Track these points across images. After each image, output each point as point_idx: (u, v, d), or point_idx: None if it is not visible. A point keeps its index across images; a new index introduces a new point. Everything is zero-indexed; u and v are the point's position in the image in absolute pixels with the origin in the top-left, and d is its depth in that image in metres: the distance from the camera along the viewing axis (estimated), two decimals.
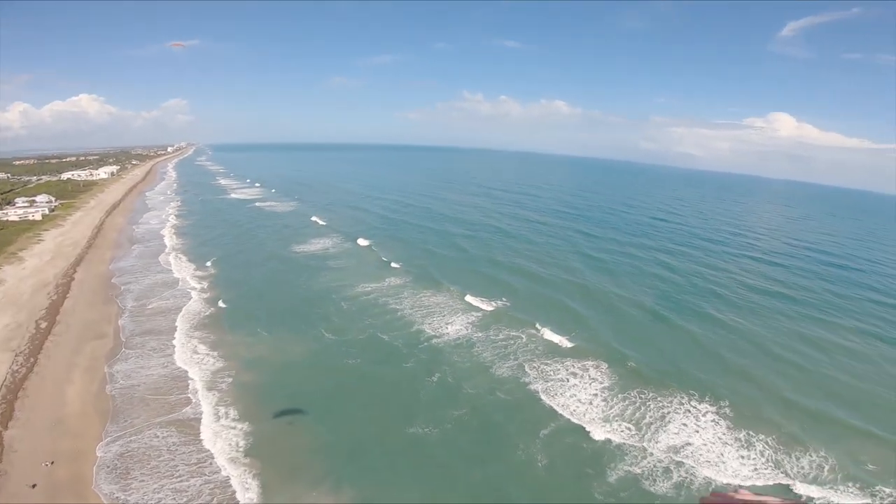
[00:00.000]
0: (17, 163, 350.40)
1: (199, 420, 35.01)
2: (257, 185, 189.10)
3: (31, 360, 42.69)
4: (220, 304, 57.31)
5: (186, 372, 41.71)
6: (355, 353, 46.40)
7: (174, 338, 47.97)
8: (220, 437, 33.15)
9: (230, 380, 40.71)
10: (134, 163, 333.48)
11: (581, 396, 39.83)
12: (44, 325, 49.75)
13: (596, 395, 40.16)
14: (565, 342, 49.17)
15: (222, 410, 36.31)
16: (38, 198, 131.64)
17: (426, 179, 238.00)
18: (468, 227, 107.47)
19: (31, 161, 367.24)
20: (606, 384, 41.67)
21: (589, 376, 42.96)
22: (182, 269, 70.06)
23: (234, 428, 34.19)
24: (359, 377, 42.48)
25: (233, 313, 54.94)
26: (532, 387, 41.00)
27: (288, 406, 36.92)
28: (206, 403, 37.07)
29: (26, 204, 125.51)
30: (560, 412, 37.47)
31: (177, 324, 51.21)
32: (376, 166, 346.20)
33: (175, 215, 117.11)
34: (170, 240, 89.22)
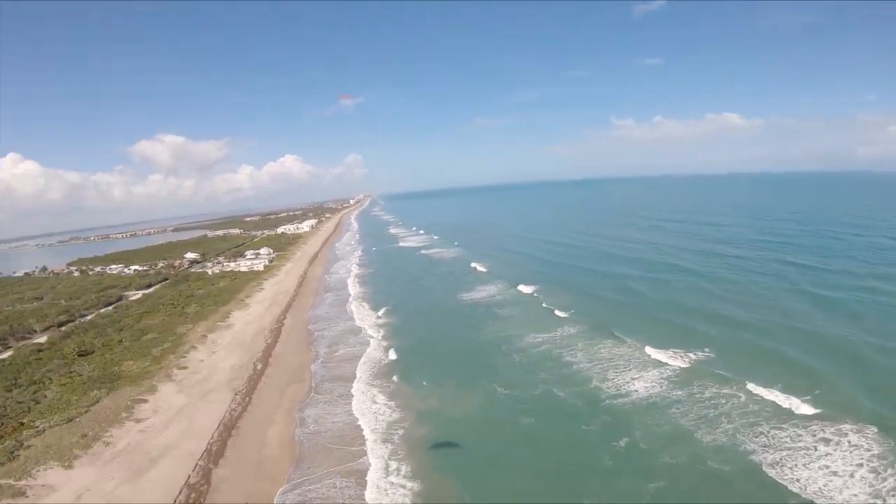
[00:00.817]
0: (247, 219, 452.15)
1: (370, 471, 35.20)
2: (422, 232, 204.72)
3: (247, 399, 48.54)
4: (395, 354, 59.13)
5: (364, 421, 42.64)
6: (528, 410, 42.53)
7: (355, 386, 50.26)
8: (387, 494, 32.21)
9: (402, 432, 40.35)
10: (327, 216, 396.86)
11: (835, 467, 29.38)
12: (259, 366, 57.45)
13: (860, 465, 29.14)
14: (797, 402, 37.48)
15: (393, 466, 35.66)
16: (262, 251, 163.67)
17: (585, 215, 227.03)
18: (641, 266, 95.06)
19: (257, 217, 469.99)
20: (876, 451, 30.18)
21: (838, 443, 31.89)
22: (363, 318, 75.54)
23: (402, 487, 32.93)
24: (533, 438, 38.27)
25: (407, 363, 56.10)
26: (755, 457, 31.29)
27: (459, 467, 34.94)
28: (377, 457, 36.96)
29: (253, 256, 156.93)
30: (799, 489, 27.79)
31: (358, 372, 53.81)
32: (530, 205, 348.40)
33: (357, 264, 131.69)
34: (353, 288, 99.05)
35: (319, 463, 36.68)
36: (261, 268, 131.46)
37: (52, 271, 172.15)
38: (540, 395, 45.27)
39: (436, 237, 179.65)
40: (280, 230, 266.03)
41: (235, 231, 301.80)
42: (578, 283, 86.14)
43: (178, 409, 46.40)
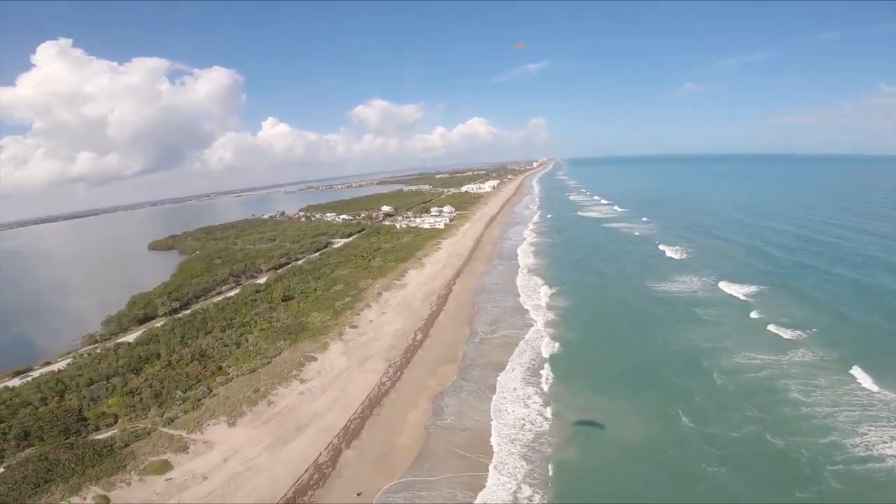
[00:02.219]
0: (438, 176, 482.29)
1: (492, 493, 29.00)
2: (606, 202, 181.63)
3: (398, 373, 46.58)
4: (558, 346, 50.46)
5: (502, 428, 35.97)
6: (722, 457, 30.99)
7: (504, 379, 44.07)
8: None
9: (549, 451, 32.76)
10: (509, 177, 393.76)
11: None
12: (419, 336, 55.34)
13: None
14: None
15: (525, 494, 28.82)
16: (445, 209, 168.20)
17: (827, 201, 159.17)
18: None
19: (446, 174, 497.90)
20: None
21: None
22: (530, 296, 67.67)
23: None
24: (723, 498, 27.73)
25: (570, 360, 47.33)
26: None
27: None
28: (508, 478, 30.08)
29: (436, 213, 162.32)
30: None
31: (511, 362, 47.13)
32: (744, 181, 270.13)
33: (533, 232, 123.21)
34: (525, 258, 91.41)
35: (441, 464, 32.28)
36: (441, 226, 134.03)
37: (287, 216, 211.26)
38: (744, 439, 32.84)
39: (622, 209, 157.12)
40: (464, 188, 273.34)
41: (426, 187, 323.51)
42: (814, 292, 62.56)
43: (337, 373, 47.10)
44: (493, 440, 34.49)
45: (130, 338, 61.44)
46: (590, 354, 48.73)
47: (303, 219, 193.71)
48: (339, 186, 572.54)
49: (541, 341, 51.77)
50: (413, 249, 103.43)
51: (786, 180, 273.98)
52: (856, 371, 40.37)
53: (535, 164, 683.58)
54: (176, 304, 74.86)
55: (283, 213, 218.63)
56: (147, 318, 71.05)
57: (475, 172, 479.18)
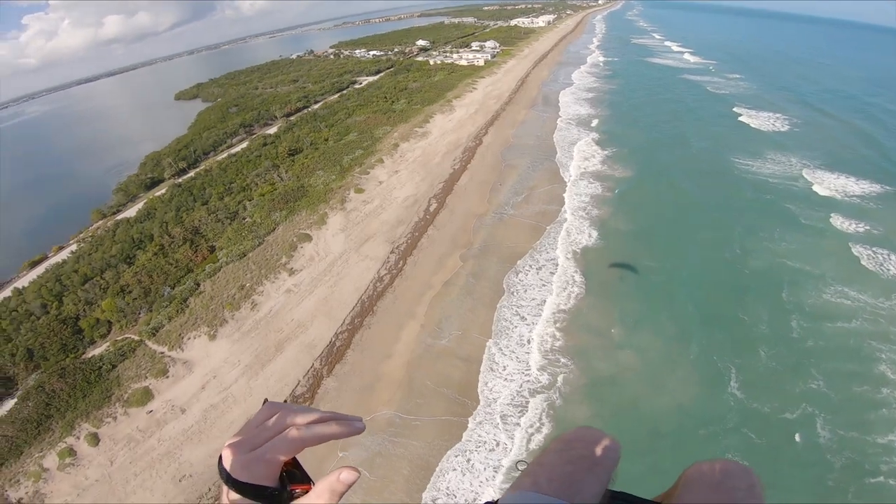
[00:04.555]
0: (486, 7, 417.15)
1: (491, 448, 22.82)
2: (686, 50, 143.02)
3: (399, 264, 38.76)
4: (599, 237, 39.73)
5: (510, 359, 28.47)
6: (791, 438, 22.89)
7: (518, 283, 34.95)
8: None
9: (559, 402, 25.59)
10: (569, 13, 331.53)
11: None
12: (433, 207, 46.34)
13: None
14: None
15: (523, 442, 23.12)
16: (487, 44, 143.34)
17: None
18: None
19: (495, 6, 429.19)
20: None
21: None
22: (570, 161, 54.71)
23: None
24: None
25: (614, 265, 36.49)
26: None
27: None
28: (505, 429, 24.01)
29: (477, 48, 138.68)
30: None
31: (530, 259, 37.66)
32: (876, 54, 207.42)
33: (588, 74, 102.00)
34: (572, 107, 74.91)
35: (427, 401, 26.07)
36: (481, 63, 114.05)
37: (315, 54, 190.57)
38: (797, 427, 23.55)
39: (704, 60, 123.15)
40: (513, 22, 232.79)
41: (470, 20, 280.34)
42: None
43: (331, 261, 39.85)
44: (502, 376, 27.37)
45: (132, 212, 56.00)
46: (643, 257, 37.12)
47: (331, 56, 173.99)
48: (377, 20, 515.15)
49: (578, 227, 41.21)
50: (444, 90, 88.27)
51: None
52: None
53: (600, 2, 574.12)
54: (183, 165, 68.41)
55: (311, 52, 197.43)
56: (155, 183, 65.41)
57: (528, 6, 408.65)
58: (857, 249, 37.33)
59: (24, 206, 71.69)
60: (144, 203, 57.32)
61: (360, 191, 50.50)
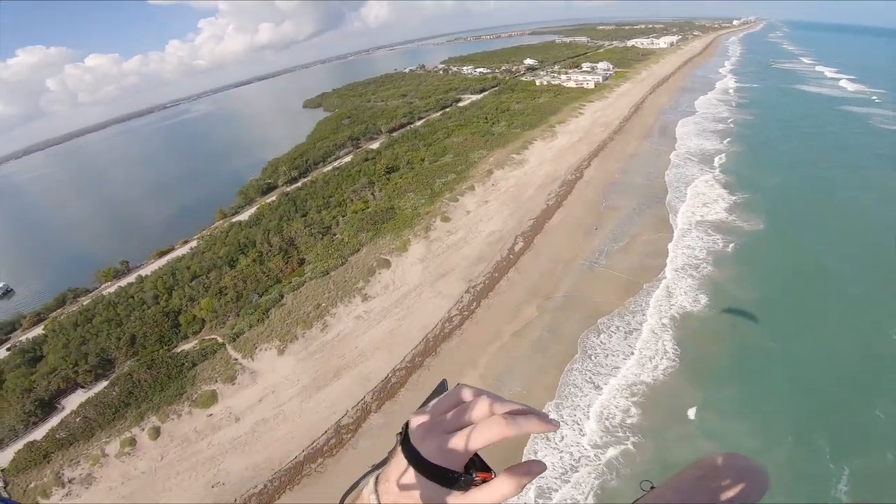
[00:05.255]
0: (600, 27, 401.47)
1: None
2: (851, 78, 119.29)
3: (474, 304, 35.91)
4: (707, 303, 33.38)
5: (569, 428, 24.88)
6: None
7: (604, 341, 30.83)
8: None
9: (613, 482, 21.91)
10: (696, 34, 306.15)
11: None
12: (518, 246, 42.72)
13: None
14: None
15: None
16: (599, 65, 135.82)
17: None
18: None
19: (612, 26, 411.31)
20: None
21: None
22: (686, 201, 47.63)
23: None
24: None
25: (719, 339, 30.43)
26: None
27: None
28: None
29: (588, 69, 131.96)
30: None
31: (617, 321, 32.51)
32: None
33: (721, 103, 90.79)
34: (694, 140, 66.18)
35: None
36: (591, 85, 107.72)
37: (426, 69, 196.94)
38: None
39: (867, 88, 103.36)
40: (630, 43, 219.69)
41: (583, 39, 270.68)
42: None
43: (405, 291, 38.43)
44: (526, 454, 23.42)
45: (246, 215, 60.07)
46: (752, 333, 30.56)
47: (441, 72, 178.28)
48: (488, 37, 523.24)
49: (679, 287, 35.25)
50: (547, 113, 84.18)
51: None
52: None
53: (735, 23, 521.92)
54: (295, 174, 73.00)
55: (422, 66, 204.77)
56: (270, 189, 70.22)
57: (649, 26, 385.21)
58: None
59: (171, 198, 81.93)
60: (257, 208, 61.35)
61: (446, 219, 48.70)
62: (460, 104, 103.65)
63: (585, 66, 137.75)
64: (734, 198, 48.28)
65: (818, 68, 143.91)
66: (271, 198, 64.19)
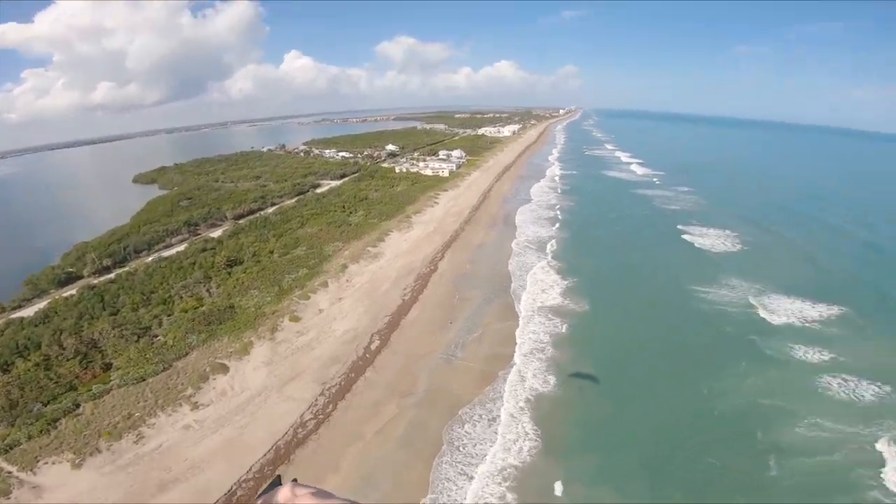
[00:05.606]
0: (457, 115, 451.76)
1: None
2: (640, 162, 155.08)
3: (330, 407, 33.22)
4: (555, 384, 36.00)
5: None
6: None
7: (469, 431, 31.27)
8: None
9: None
10: (532, 122, 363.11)
11: None
12: (375, 344, 41.17)
13: None
14: None
15: None
16: (454, 153, 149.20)
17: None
18: None
19: (466, 115, 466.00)
20: None
21: None
22: (527, 289, 52.01)
23: None
24: None
25: (571, 414, 33.03)
26: None
27: None
28: None
29: (444, 157, 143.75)
30: None
31: (472, 412, 32.99)
32: (808, 157, 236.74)
33: (551, 190, 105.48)
34: (531, 228, 74.30)
35: None
36: (446, 174, 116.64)
37: (287, 149, 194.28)
38: None
39: (654, 171, 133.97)
40: (481, 131, 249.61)
41: (441, 126, 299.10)
42: None
43: (247, 397, 34.08)
44: None
45: (32, 310, 48.97)
46: (598, 404, 34.06)
47: (302, 154, 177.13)
48: (354, 120, 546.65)
49: (529, 371, 37.36)
50: (404, 202, 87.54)
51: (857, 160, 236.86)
52: None
53: (561, 112, 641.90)
54: (108, 262, 62.05)
55: (283, 147, 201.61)
56: (70, 279, 58.58)
57: (496, 115, 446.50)
58: (827, 380, 36.60)
59: None
60: (48, 302, 50.61)
61: (295, 319, 45.04)
62: (318, 190, 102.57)
63: (442, 153, 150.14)
64: (566, 282, 53.90)
65: (617, 153, 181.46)
66: (70, 290, 53.59)
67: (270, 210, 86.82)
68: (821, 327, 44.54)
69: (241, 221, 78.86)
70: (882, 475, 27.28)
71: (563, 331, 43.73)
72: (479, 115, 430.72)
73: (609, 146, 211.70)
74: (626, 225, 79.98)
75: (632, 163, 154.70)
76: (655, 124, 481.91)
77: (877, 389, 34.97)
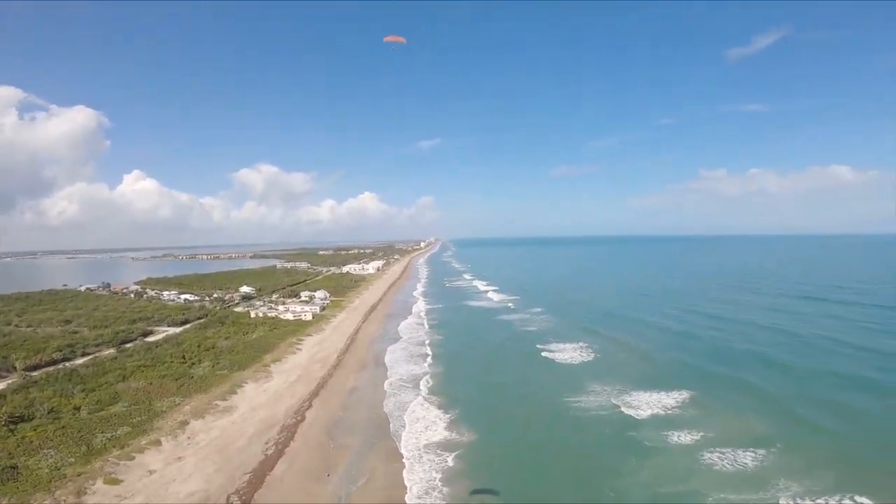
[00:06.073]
0: (321, 252, 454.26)
1: None
2: (495, 289, 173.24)
3: None
4: None
5: None
6: None
7: None
8: None
9: None
10: (396, 257, 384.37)
11: None
12: None
13: None
14: None
15: None
16: (318, 294, 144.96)
17: (705, 282, 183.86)
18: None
19: (330, 251, 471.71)
20: None
21: None
22: (406, 427, 48.65)
23: None
24: None
25: None
26: None
27: None
28: None
29: (306, 299, 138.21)
30: None
31: None
32: (623, 264, 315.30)
33: (418, 325, 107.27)
34: (404, 367, 72.17)
35: None
36: (309, 317, 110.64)
37: (112, 289, 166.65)
38: None
39: (510, 297, 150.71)
40: (346, 269, 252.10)
41: (304, 265, 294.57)
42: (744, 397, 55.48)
43: None
44: None
45: None
46: None
47: (132, 295, 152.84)
48: (205, 257, 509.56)
49: None
50: (262, 350, 78.64)
51: (660, 262, 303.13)
52: None
53: (422, 244, 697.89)
54: None
55: (107, 285, 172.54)
56: None
57: (360, 251, 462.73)
58: (708, 456, 39.77)
59: None
60: None
61: (113, 481, 34.12)
62: (150, 339, 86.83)
63: (304, 294, 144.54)
64: (448, 416, 51.59)
65: (475, 283, 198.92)
66: None
67: (80, 361, 69.54)
68: (680, 411, 50.07)
69: (35, 373, 60.99)
70: None
71: (453, 464, 40.87)
72: (343, 252, 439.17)
73: (467, 276, 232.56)
74: (493, 351, 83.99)
75: (488, 290, 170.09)
76: (506, 250, 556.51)
77: (753, 455, 39.40)
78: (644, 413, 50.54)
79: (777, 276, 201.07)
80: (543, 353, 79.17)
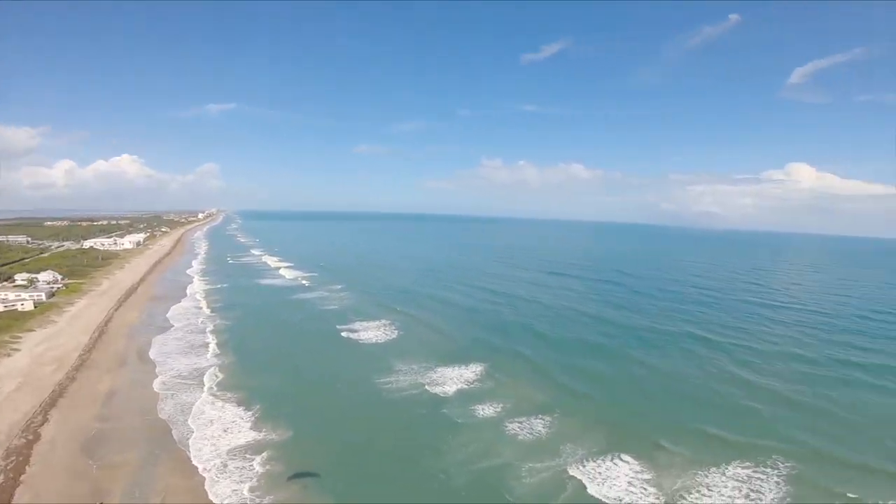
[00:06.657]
0: (48, 223, 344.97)
1: None
2: (290, 264, 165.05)
3: None
4: None
5: None
6: None
7: None
8: None
9: None
10: (164, 230, 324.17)
11: None
12: None
13: None
14: None
15: None
16: (41, 275, 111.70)
17: (472, 255, 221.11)
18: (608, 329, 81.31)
19: (64, 223, 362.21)
20: None
21: None
22: (214, 445, 41.66)
23: None
24: None
25: None
26: None
27: None
28: None
29: (23, 283, 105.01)
30: None
31: None
32: (411, 240, 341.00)
33: (198, 309, 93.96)
34: (180, 360, 62.94)
35: None
36: (29, 306, 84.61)
37: None
38: None
39: (313, 274, 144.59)
40: (88, 244, 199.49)
41: (23, 238, 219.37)
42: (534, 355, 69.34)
43: None
44: None
45: None
46: None
47: None
48: None
49: None
50: None
51: (437, 237, 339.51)
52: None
53: (200, 216, 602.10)
54: None
55: None
56: None
57: (113, 222, 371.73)
58: (510, 427, 46.42)
59: None
60: None
61: None
62: None
63: (21, 277, 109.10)
64: (251, 413, 47.62)
65: (265, 259, 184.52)
66: None
67: None
68: (480, 384, 57.03)
69: None
70: (589, 492, 35.81)
71: (270, 467, 38.03)
72: (84, 223, 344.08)
73: (256, 251, 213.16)
74: (292, 334, 79.94)
75: (281, 266, 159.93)
76: (300, 224, 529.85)
77: (542, 422, 47.19)
78: (450, 389, 55.83)
79: (534, 255, 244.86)
80: (345, 334, 79.75)
